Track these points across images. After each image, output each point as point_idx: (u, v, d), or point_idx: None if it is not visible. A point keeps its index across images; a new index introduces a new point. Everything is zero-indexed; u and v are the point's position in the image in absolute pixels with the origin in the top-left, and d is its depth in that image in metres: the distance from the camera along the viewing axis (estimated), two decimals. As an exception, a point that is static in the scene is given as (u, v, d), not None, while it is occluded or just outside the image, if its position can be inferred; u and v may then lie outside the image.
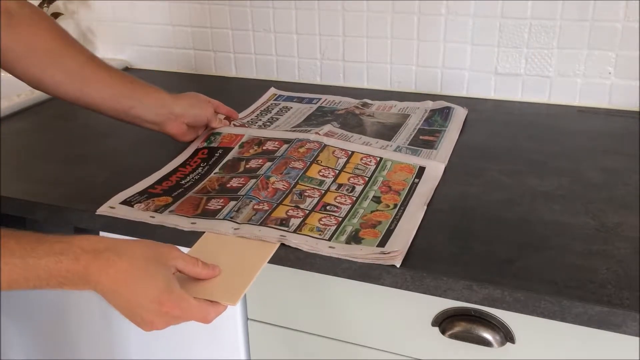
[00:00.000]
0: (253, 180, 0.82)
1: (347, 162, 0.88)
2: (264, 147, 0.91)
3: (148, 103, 0.88)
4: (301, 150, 0.89)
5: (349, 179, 0.84)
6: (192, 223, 0.74)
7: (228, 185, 0.82)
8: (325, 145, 0.91)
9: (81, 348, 0.95)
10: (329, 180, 0.83)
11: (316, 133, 0.94)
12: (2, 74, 1.34)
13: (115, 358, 0.93)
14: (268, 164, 0.86)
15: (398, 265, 0.65)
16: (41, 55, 0.84)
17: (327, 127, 0.97)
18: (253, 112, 1.11)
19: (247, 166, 0.87)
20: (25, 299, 0.95)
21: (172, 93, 0.91)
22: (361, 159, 0.88)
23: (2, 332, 0.99)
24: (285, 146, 0.90)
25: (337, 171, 0.85)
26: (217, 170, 0.87)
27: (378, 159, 0.89)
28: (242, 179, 0.83)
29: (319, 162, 0.87)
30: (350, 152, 0.90)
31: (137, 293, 0.59)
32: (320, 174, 0.84)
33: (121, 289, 0.59)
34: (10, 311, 0.97)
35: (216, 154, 0.91)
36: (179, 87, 0.94)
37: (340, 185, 0.82)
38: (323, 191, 0.81)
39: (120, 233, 0.78)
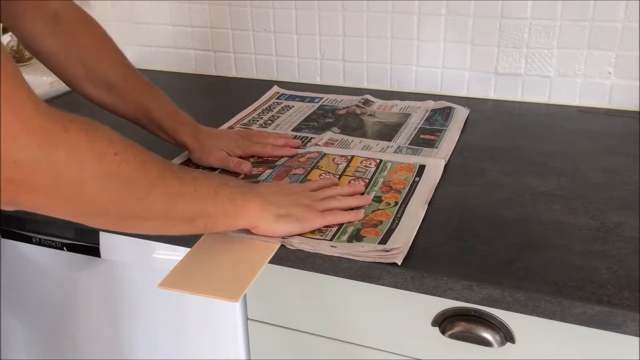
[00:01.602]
0: None
1: (347, 166, 0.88)
2: (264, 157, 0.91)
3: (163, 137, 0.89)
4: (301, 160, 0.89)
5: (349, 182, 0.84)
6: None
7: (229, 188, 0.82)
8: (325, 154, 0.91)
9: (82, 348, 0.95)
10: None
11: (316, 144, 0.94)
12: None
13: (115, 358, 0.93)
14: (269, 171, 0.86)
15: (399, 263, 0.65)
16: (76, 64, 0.84)
17: (326, 136, 0.97)
18: (255, 110, 1.12)
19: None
20: (29, 298, 0.95)
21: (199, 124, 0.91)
22: (361, 162, 0.88)
23: (5, 332, 0.99)
24: (285, 157, 0.91)
25: (338, 175, 0.85)
26: (216, 173, 0.87)
27: (378, 161, 0.89)
28: None
29: (320, 167, 0.87)
30: (350, 157, 0.90)
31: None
32: (322, 177, 0.84)
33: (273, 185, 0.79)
34: (13, 310, 0.97)
35: None
36: (179, 87, 0.94)
37: None
38: (324, 192, 0.81)
39: (120, 232, 0.78)
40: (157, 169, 0.59)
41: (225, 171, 0.87)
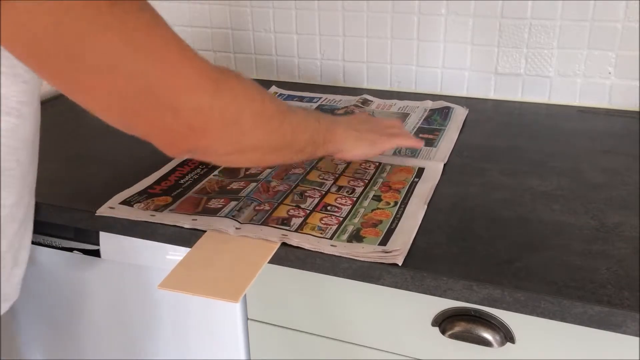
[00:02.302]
0: (254, 184, 0.82)
1: (346, 167, 0.88)
2: None
3: None
4: None
5: (348, 182, 0.84)
6: (193, 220, 0.74)
7: (228, 188, 0.82)
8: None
9: (83, 348, 0.95)
10: (329, 183, 0.83)
11: None
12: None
13: (115, 358, 0.93)
14: (268, 170, 0.86)
15: (400, 264, 0.65)
16: None
17: None
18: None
19: (247, 172, 0.87)
20: (29, 298, 0.95)
21: None
22: (360, 164, 0.88)
23: (5, 332, 0.99)
24: None
25: (337, 175, 0.85)
26: (216, 172, 0.87)
27: (377, 163, 0.89)
28: (242, 182, 0.83)
29: (319, 167, 0.87)
30: None
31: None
32: (320, 177, 0.85)
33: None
34: (13, 310, 0.97)
35: None
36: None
37: (340, 187, 0.82)
38: (323, 192, 0.81)
39: (120, 233, 0.78)
40: (280, 102, 0.67)
41: None
